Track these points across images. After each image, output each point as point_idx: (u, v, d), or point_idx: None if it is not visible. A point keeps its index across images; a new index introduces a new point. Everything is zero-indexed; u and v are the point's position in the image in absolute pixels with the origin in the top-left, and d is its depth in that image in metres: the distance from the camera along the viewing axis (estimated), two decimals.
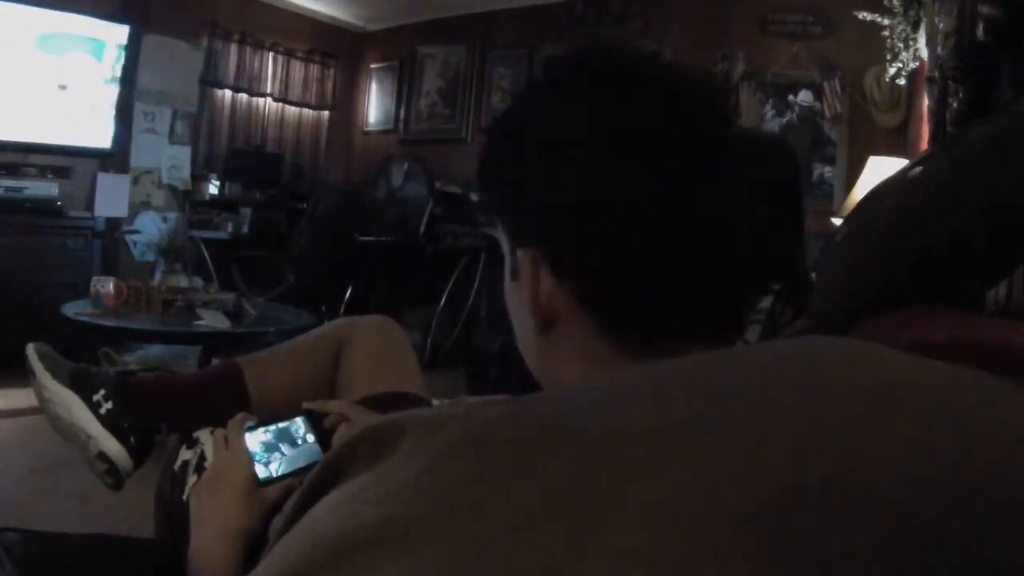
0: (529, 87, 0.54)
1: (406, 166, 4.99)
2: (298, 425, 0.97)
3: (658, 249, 0.45)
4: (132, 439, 1.11)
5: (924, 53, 2.50)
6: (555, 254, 0.48)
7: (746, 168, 0.48)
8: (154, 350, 3.61)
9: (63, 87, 3.95)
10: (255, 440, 0.93)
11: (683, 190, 0.45)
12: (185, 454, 1.04)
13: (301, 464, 0.93)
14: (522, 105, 0.53)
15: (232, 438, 0.94)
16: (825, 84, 3.78)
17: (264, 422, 0.96)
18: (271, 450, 0.94)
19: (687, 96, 0.48)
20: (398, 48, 5.71)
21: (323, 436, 0.97)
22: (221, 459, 0.92)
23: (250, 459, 0.91)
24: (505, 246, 0.53)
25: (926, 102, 2.35)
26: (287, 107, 5.49)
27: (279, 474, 0.92)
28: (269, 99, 5.36)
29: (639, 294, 0.46)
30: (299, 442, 0.96)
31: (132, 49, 4.19)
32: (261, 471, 0.91)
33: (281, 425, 0.96)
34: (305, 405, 1.01)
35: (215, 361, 2.50)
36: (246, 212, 4.88)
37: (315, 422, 0.98)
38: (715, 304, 0.48)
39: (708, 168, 0.46)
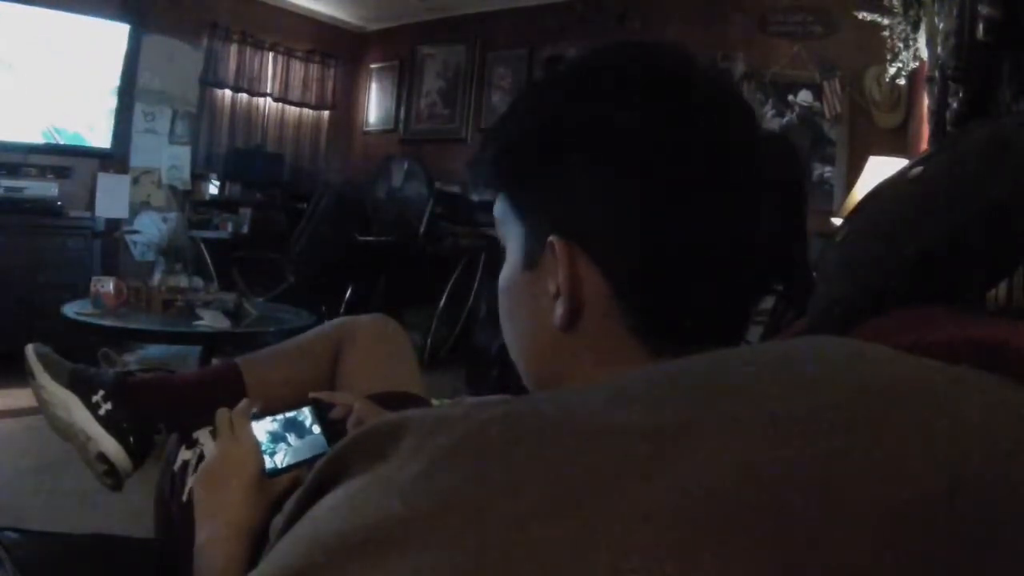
0: (575, 72, 0.51)
1: (406, 166, 4.99)
2: (305, 415, 0.94)
3: (702, 245, 0.46)
4: (131, 439, 1.11)
5: (924, 53, 2.50)
6: (599, 241, 0.46)
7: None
8: (154, 350, 3.61)
9: (63, 87, 3.95)
10: (261, 429, 0.90)
11: (726, 196, 0.47)
12: (185, 454, 1.04)
13: (306, 455, 0.90)
14: (564, 87, 0.50)
15: (239, 427, 0.89)
16: (825, 84, 3.78)
17: (271, 411, 0.93)
18: (277, 440, 0.91)
19: (733, 108, 0.49)
20: (398, 48, 5.71)
21: (328, 427, 0.94)
22: (228, 450, 0.88)
23: (259, 451, 0.88)
24: (518, 232, 0.51)
25: (926, 102, 2.35)
26: (287, 107, 5.49)
27: (284, 465, 0.89)
28: (269, 99, 5.37)
29: (678, 289, 0.46)
30: (305, 432, 0.93)
31: (132, 49, 4.20)
32: (266, 462, 0.88)
33: (288, 415, 0.93)
34: (312, 395, 0.99)
35: (215, 361, 2.50)
36: (246, 212, 4.88)
37: (322, 413, 0.96)
38: (732, 305, 0.49)
39: (744, 175, 0.48)
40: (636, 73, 0.48)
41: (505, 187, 0.52)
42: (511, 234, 0.52)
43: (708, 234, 0.46)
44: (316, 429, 0.94)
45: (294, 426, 0.93)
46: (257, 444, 0.88)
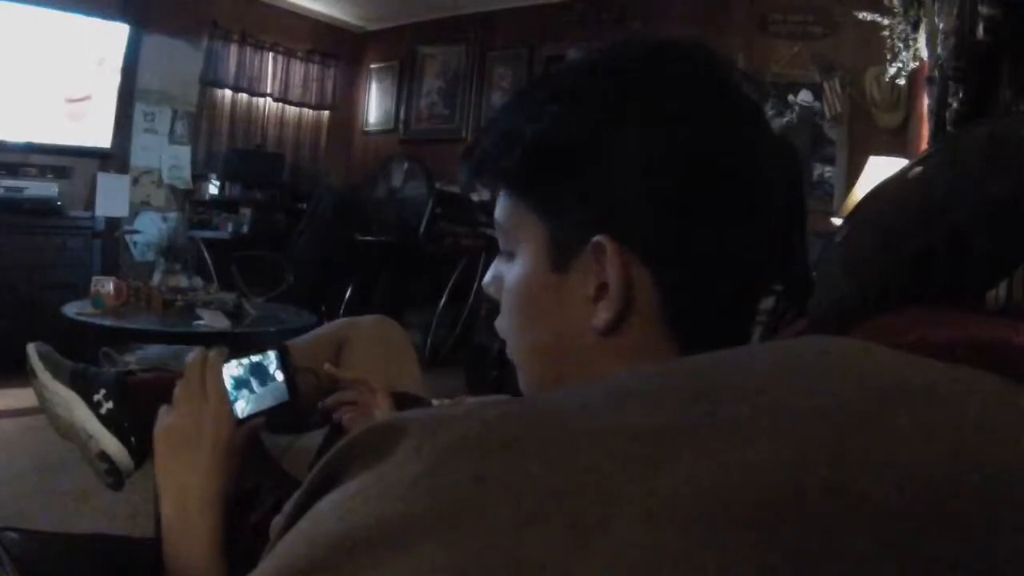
0: (630, 65, 0.49)
1: (406, 166, 4.99)
2: (271, 359, 0.88)
3: (738, 249, 0.46)
4: (132, 439, 1.11)
5: (924, 53, 2.50)
6: (650, 243, 0.45)
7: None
8: (154, 350, 3.61)
9: (63, 87, 3.95)
10: (226, 374, 0.82)
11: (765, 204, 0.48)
12: None
13: (268, 403, 0.85)
14: (611, 82, 0.48)
15: (212, 380, 0.78)
16: (825, 84, 3.78)
17: (238, 354, 0.85)
18: (240, 386, 0.83)
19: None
20: (398, 48, 5.71)
21: (291, 376, 0.89)
22: (199, 408, 0.77)
23: (232, 408, 0.78)
24: (541, 232, 0.48)
25: (926, 102, 2.35)
26: (287, 107, 5.49)
27: (246, 415, 0.82)
28: (269, 99, 5.36)
29: (714, 292, 0.47)
30: (268, 379, 0.87)
31: (132, 49, 4.20)
32: None
33: (255, 359, 0.86)
34: (328, 368, 0.98)
35: None
36: (246, 212, 4.88)
37: (285, 359, 0.90)
38: (747, 306, 0.50)
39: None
40: (697, 74, 0.48)
41: (529, 184, 0.49)
42: (526, 235, 0.49)
43: (743, 238, 0.46)
44: (279, 376, 0.88)
45: (258, 371, 0.86)
46: (230, 401, 0.78)
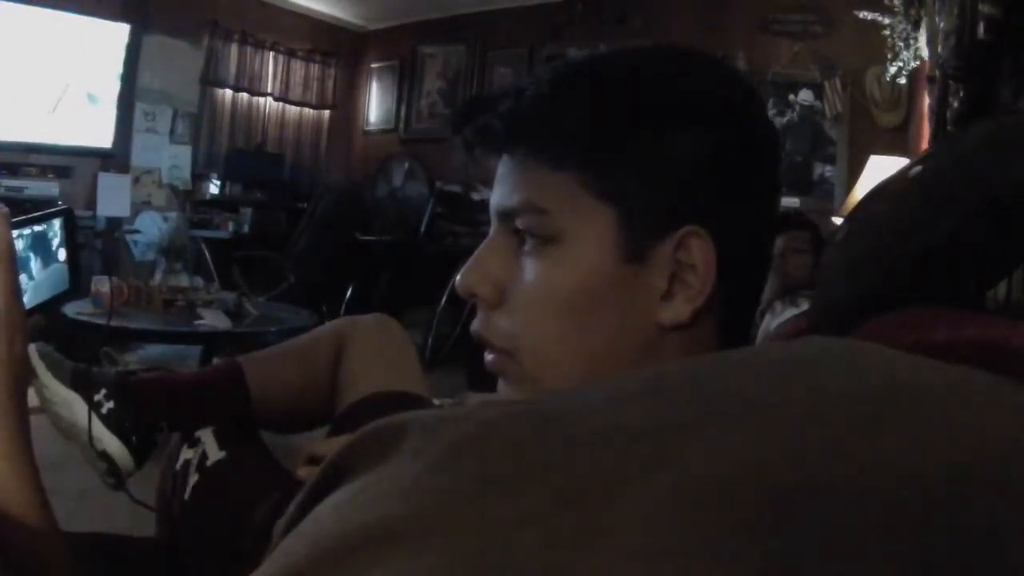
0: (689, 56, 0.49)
1: (406, 166, 4.99)
2: (55, 231, 0.64)
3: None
4: (133, 438, 1.11)
5: (925, 52, 2.50)
6: (734, 235, 0.45)
7: None
8: (155, 350, 3.61)
9: (63, 87, 3.95)
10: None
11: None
12: (186, 453, 1.04)
13: (47, 295, 0.61)
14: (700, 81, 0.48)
15: (2, 256, 0.49)
16: (826, 84, 3.78)
17: (19, 220, 0.58)
18: (20, 267, 0.56)
19: None
20: (398, 47, 5.71)
21: (74, 255, 0.65)
22: None
23: (23, 301, 0.51)
24: (602, 218, 0.45)
25: (927, 101, 2.35)
26: (287, 107, 5.49)
27: (29, 308, 0.56)
28: (269, 99, 5.37)
29: (759, 287, 0.50)
30: (51, 258, 0.64)
31: (132, 49, 4.20)
32: None
33: (38, 228, 0.62)
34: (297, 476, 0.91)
35: (216, 361, 2.50)
36: (247, 212, 4.89)
37: (72, 228, 0.65)
38: None
39: None
40: (742, 76, 0.51)
41: (604, 162, 0.45)
42: (583, 220, 0.45)
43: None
44: (62, 255, 0.65)
45: (41, 245, 0.63)
46: (13, 248, 0.51)
